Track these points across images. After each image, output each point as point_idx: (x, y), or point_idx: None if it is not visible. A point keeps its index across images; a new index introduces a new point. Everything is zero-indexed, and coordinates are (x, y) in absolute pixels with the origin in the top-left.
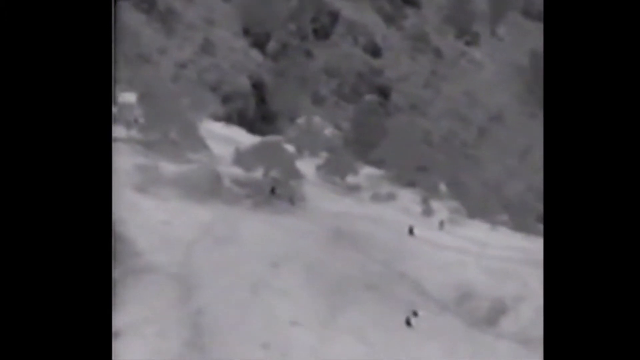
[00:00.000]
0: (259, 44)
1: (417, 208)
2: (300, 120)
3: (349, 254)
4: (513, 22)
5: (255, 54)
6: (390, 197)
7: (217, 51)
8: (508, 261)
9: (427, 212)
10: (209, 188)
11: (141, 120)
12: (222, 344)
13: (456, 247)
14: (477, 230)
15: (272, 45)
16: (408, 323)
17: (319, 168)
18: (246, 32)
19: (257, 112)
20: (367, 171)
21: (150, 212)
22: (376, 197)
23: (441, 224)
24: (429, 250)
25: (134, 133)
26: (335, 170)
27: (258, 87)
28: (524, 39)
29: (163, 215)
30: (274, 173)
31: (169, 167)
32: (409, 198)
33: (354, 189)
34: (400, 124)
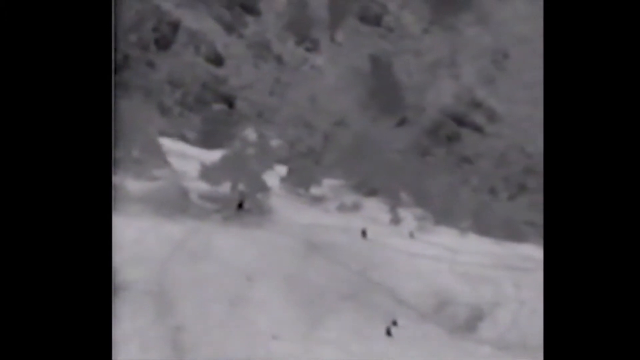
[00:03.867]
0: None
1: (384, 217)
2: (247, 132)
3: (323, 265)
4: (351, 27)
5: None
6: (356, 206)
7: None
8: (480, 267)
9: (395, 220)
10: (178, 204)
11: None
12: None
13: (428, 255)
14: (446, 237)
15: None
16: (388, 333)
17: (283, 180)
18: None
19: None
20: (327, 182)
21: (121, 230)
22: (342, 207)
23: (411, 234)
24: (402, 258)
25: None
26: (299, 182)
27: None
28: (362, 44)
29: (134, 232)
30: (240, 187)
31: (135, 185)
32: (374, 207)
33: (319, 199)
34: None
